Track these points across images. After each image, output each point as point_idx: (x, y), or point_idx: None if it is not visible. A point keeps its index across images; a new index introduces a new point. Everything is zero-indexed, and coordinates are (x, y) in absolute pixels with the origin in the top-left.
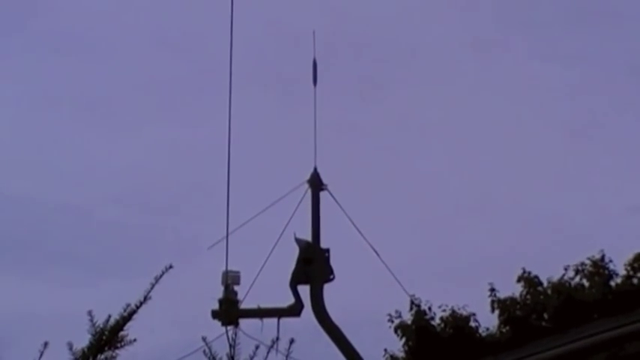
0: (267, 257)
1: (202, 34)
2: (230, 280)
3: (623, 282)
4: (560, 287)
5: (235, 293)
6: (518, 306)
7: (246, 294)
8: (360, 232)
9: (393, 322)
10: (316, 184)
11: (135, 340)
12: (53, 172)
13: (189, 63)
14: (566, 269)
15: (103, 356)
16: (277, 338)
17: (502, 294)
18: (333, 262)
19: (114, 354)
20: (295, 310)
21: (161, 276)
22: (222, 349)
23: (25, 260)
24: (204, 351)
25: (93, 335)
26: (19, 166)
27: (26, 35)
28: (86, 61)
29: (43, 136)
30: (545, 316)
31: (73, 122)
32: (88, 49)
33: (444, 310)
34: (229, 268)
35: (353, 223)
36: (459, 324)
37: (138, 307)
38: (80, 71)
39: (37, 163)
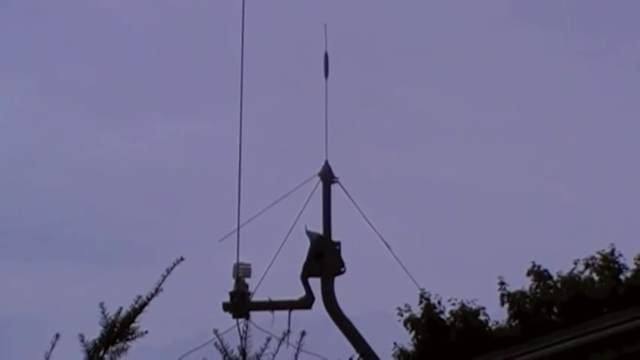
0: (278, 250)
1: (214, 28)
2: (241, 272)
3: (632, 276)
4: (570, 281)
5: (246, 286)
6: (527, 300)
7: (257, 286)
8: (371, 225)
9: (402, 315)
10: (327, 176)
11: (146, 332)
12: (65, 166)
13: (201, 58)
14: (575, 263)
15: (114, 348)
16: (288, 331)
17: (512, 288)
18: (344, 255)
19: (125, 346)
20: (306, 302)
21: (172, 268)
22: (233, 342)
23: (37, 253)
24: (215, 343)
25: (104, 327)
26: (30, 159)
27: (37, 30)
28: (99, 56)
29: (55, 129)
30: (555, 309)
31: (86, 116)
32: (103, 44)
33: (454, 304)
34: (240, 261)
35: (364, 216)
36: (469, 318)
37: (149, 299)
38: (93, 66)
39: (48, 156)
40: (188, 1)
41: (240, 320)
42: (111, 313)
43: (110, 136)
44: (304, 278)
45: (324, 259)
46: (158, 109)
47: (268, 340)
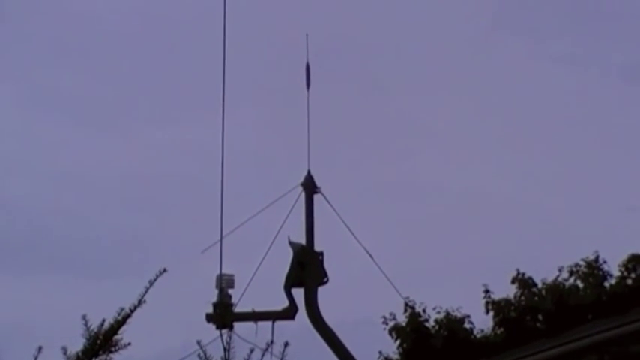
0: (262, 260)
1: (197, 37)
2: (224, 283)
3: (617, 283)
4: (555, 288)
5: (229, 296)
6: (512, 307)
7: (241, 297)
8: (353, 234)
9: (387, 324)
10: (310, 187)
11: (129, 343)
12: (47, 175)
13: (185, 66)
14: (560, 270)
15: None
16: (272, 341)
17: (496, 295)
18: (327, 265)
19: (108, 358)
20: (289, 313)
21: (155, 279)
22: (216, 353)
23: (17, 263)
24: (198, 354)
25: (87, 339)
26: (12, 168)
27: (19, 36)
28: (82, 63)
29: (37, 137)
30: (540, 317)
31: (68, 124)
32: (85, 51)
33: (439, 312)
34: (223, 272)
35: (347, 226)
36: (454, 326)
37: (132, 311)
38: (76, 73)
39: (31, 165)
40: (171, 10)
41: (223, 331)
42: (94, 325)
43: (93, 144)
44: (287, 289)
45: (306, 269)
46: (141, 118)
47: (252, 350)
